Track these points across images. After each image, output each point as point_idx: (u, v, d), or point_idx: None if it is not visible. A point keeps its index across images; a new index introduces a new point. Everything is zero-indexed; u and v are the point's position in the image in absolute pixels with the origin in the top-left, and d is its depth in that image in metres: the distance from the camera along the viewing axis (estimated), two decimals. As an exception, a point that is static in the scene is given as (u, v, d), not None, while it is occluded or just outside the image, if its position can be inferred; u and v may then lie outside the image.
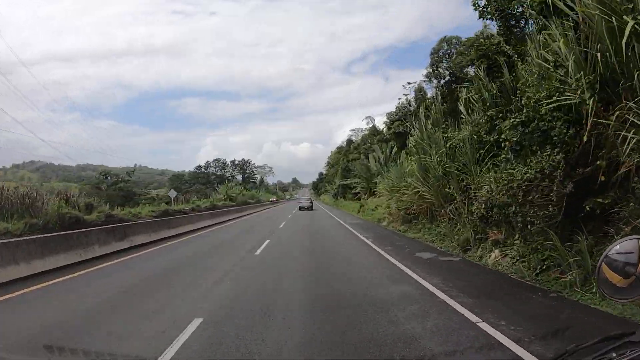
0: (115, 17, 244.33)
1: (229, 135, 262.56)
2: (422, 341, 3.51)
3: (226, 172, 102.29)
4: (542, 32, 6.58)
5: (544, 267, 5.73)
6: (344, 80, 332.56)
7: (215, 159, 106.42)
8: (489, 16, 9.09)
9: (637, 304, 3.89)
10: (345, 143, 63.28)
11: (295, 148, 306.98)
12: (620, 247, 1.24)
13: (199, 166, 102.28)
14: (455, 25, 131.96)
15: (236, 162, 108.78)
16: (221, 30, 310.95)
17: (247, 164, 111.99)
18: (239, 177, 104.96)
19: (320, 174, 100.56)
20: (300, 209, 38.96)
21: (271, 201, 74.40)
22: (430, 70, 31.74)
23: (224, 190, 55.92)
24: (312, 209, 39.81)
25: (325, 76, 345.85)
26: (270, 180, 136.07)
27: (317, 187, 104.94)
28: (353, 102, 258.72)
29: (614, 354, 1.12)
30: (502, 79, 8.22)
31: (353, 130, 62.86)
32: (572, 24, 5.64)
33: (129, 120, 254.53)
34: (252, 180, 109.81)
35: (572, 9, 5.68)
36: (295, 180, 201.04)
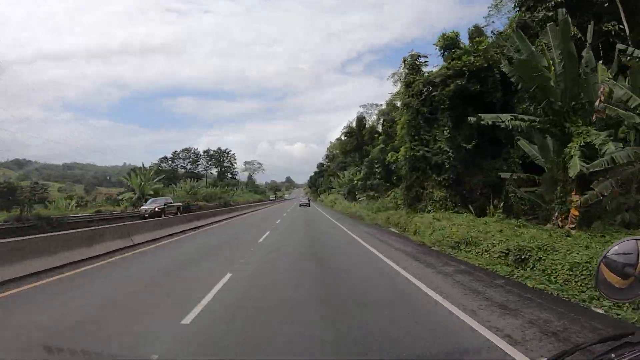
0: (111, 16, 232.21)
1: (226, 135, 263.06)
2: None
3: (198, 165, 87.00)
4: None
5: None
6: (340, 80, 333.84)
7: (184, 149, 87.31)
8: None
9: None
10: (354, 122, 50.17)
11: (290, 148, 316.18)
12: (619, 248, 1.28)
13: (164, 157, 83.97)
14: (452, 25, 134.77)
15: (210, 153, 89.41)
16: (218, 29, 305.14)
17: (225, 155, 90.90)
18: (218, 172, 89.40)
19: (320, 165, 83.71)
20: (300, 206, 47.31)
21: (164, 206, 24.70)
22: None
23: (136, 183, 36.07)
24: (309, 206, 48.06)
25: (322, 76, 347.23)
26: (261, 178, 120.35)
27: (316, 182, 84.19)
28: (349, 102, 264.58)
29: (613, 355, 1.14)
30: None
31: (364, 105, 50.10)
32: None
33: (124, 120, 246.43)
34: (231, 176, 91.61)
35: None
36: (289, 179, 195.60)
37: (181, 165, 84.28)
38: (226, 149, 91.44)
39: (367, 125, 47.30)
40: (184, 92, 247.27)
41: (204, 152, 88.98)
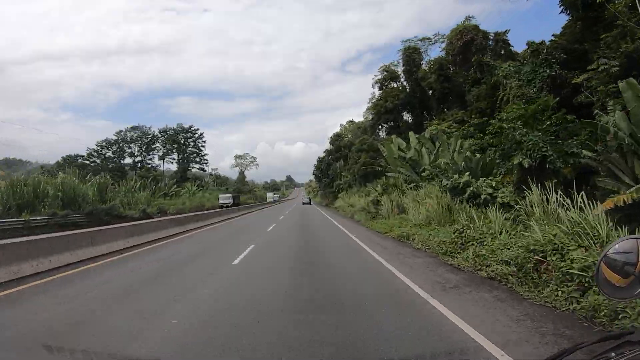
0: (106, 15, 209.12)
1: (225, 135, 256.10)
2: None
3: (154, 150, 63.83)
4: None
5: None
6: (340, 79, 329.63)
7: (134, 127, 62.82)
8: None
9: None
10: (400, 62, 33.04)
11: (290, 148, 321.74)
12: (619, 247, 1.32)
13: (106, 140, 61.51)
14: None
15: (169, 132, 64.12)
16: (216, 28, 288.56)
17: (190, 135, 65.16)
18: (179, 161, 66.79)
19: (336, 136, 51.65)
20: (303, 203, 53.32)
21: None
22: None
23: None
24: (309, 204, 53.06)
25: (322, 75, 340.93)
26: (258, 176, 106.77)
27: (328, 171, 53.00)
28: (349, 102, 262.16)
29: (613, 354, 1.15)
30: None
31: (408, 40, 34.57)
32: None
33: (123, 120, 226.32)
34: (199, 166, 67.95)
35: None
36: (289, 178, 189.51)
37: (129, 153, 62.22)
38: (190, 126, 65.91)
39: (422, 65, 32.10)
40: (183, 92, 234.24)
41: (161, 132, 63.71)
